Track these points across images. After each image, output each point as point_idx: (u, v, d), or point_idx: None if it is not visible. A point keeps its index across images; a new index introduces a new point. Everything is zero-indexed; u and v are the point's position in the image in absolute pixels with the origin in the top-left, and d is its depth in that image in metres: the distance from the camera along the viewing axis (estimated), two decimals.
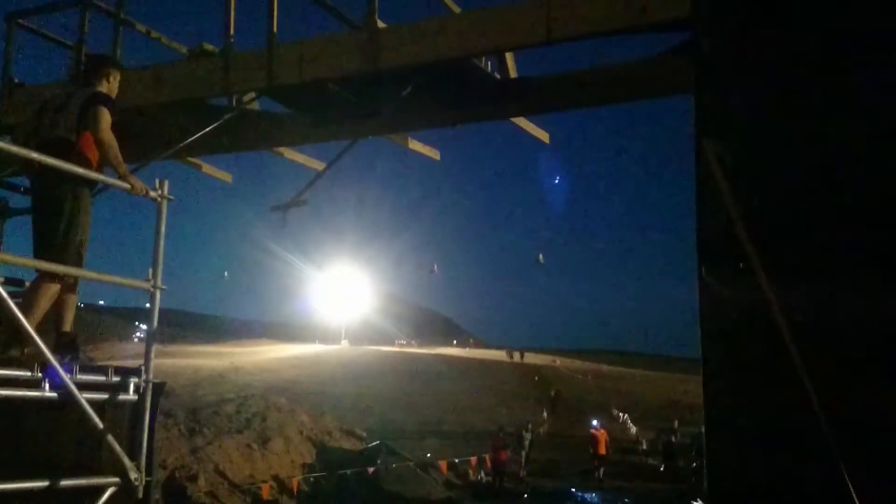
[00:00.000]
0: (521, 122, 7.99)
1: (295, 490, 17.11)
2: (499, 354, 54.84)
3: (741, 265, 5.55)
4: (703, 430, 6.19)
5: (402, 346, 59.96)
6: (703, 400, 6.08)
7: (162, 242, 5.33)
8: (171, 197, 5.42)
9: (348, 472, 18.04)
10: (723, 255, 5.86)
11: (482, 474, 22.04)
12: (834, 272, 5.31)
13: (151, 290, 5.29)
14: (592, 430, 23.75)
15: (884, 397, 4.99)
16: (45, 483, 4.82)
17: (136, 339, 47.54)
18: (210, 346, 45.21)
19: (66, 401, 4.86)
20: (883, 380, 5.04)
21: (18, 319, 4.60)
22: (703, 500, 16.78)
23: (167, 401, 20.19)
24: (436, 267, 46.52)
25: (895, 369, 4.95)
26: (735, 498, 5.65)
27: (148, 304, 5.58)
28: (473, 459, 22.24)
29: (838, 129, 5.34)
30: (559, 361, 53.55)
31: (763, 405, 5.53)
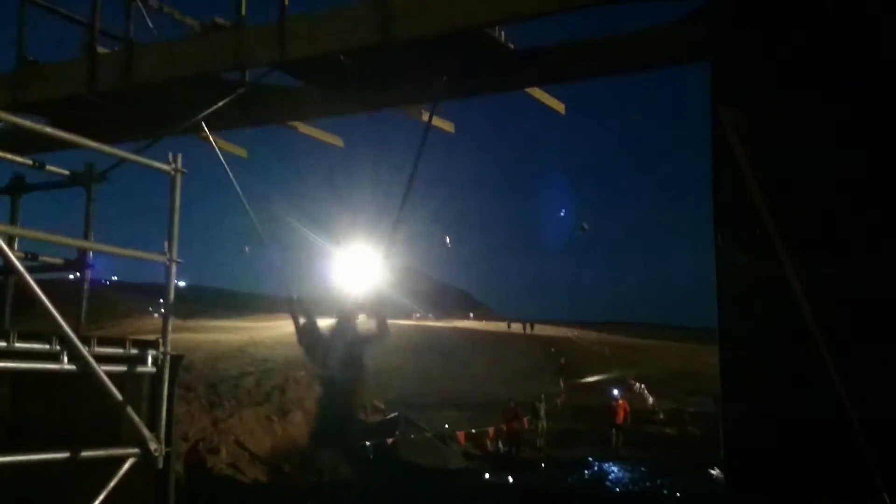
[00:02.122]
0: (536, 92, 7.92)
1: (315, 462, 17.32)
2: (515, 327, 54.96)
3: (757, 232, 5.51)
4: (718, 399, 6.18)
5: (418, 319, 60.15)
6: (720, 368, 6.07)
7: (177, 216, 5.36)
8: (185, 170, 5.44)
9: (367, 443, 18.23)
10: (738, 222, 5.82)
11: (499, 444, 22.22)
12: (850, 240, 5.27)
13: (167, 262, 5.34)
14: (613, 402, 23.85)
15: None
16: (66, 454, 4.91)
17: (156, 315, 48.13)
18: (229, 320, 45.60)
19: (84, 373, 4.93)
20: None
21: (37, 293, 4.66)
22: (719, 469, 16.85)
23: (187, 375, 20.46)
24: (448, 240, 46.27)
25: None
26: (750, 466, 5.66)
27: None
28: (490, 430, 22.41)
29: (857, 94, 5.26)
30: (576, 333, 53.64)
31: (778, 372, 5.52)
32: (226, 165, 8.38)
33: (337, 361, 7.99)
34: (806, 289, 5.31)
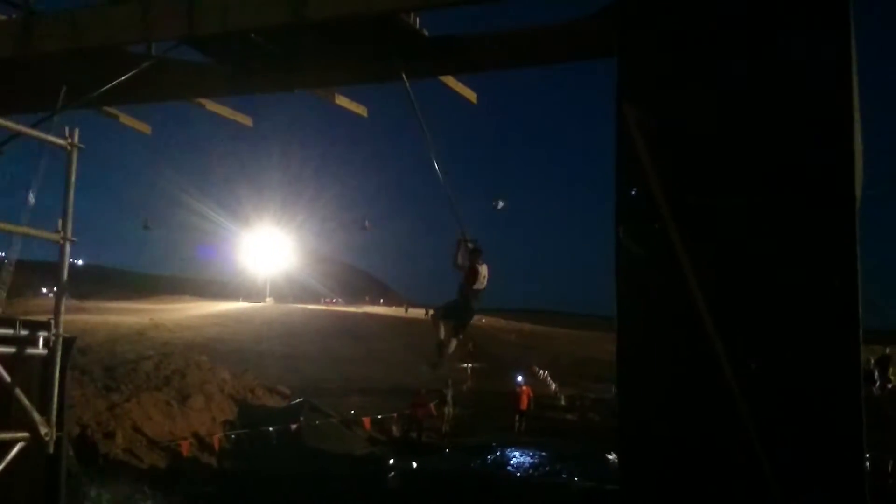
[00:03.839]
0: (449, 80, 7.94)
1: (216, 447, 17.00)
2: (415, 312, 55.20)
3: (656, 226, 5.72)
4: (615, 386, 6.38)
5: (328, 304, 59.64)
6: (616, 356, 6.27)
7: (72, 193, 5.14)
8: (82, 145, 5.23)
9: (270, 429, 18.00)
10: (639, 216, 6.02)
11: (403, 430, 22.36)
12: (745, 236, 5.52)
13: (61, 241, 5.12)
14: (517, 388, 24.34)
15: (795, 354, 5.25)
16: None
17: (49, 295, 45.93)
18: (128, 302, 44.04)
19: None
20: (793, 339, 5.29)
21: None
22: (616, 455, 17.45)
23: (83, 358, 19.68)
24: (367, 223, 45.93)
25: (805, 328, 5.20)
26: (644, 452, 5.89)
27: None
28: (396, 416, 22.52)
29: (760, 94, 5.50)
30: (485, 320, 54.34)
31: (674, 362, 5.75)
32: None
33: None
34: (701, 282, 5.54)
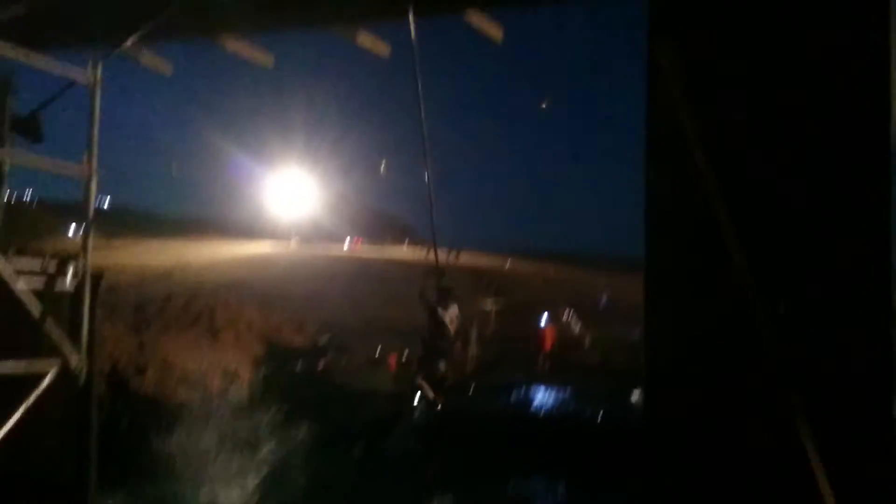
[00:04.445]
0: (475, 17, 7.75)
1: (244, 384, 17.35)
2: (434, 256, 55.11)
3: (687, 166, 5.60)
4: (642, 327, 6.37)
5: (352, 246, 59.95)
6: (644, 297, 6.22)
7: (96, 127, 5.13)
8: (103, 80, 5.20)
9: (297, 367, 18.32)
10: (669, 155, 5.89)
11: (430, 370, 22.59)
12: (776, 177, 5.39)
13: (86, 175, 5.13)
14: (541, 329, 24.47)
15: (825, 296, 5.17)
16: None
17: (79, 235, 46.58)
18: (155, 242, 44.57)
19: (1, 287, 4.78)
20: (823, 281, 5.21)
21: None
22: (640, 395, 17.57)
23: (113, 296, 20.00)
24: (384, 166, 45.65)
25: (835, 270, 5.11)
26: (670, 393, 5.88)
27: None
28: (420, 356, 22.76)
29: (794, 37, 5.32)
30: (509, 263, 54.42)
31: (703, 304, 5.70)
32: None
33: None
34: (734, 223, 5.43)
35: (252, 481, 11.12)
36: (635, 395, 17.82)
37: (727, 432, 5.46)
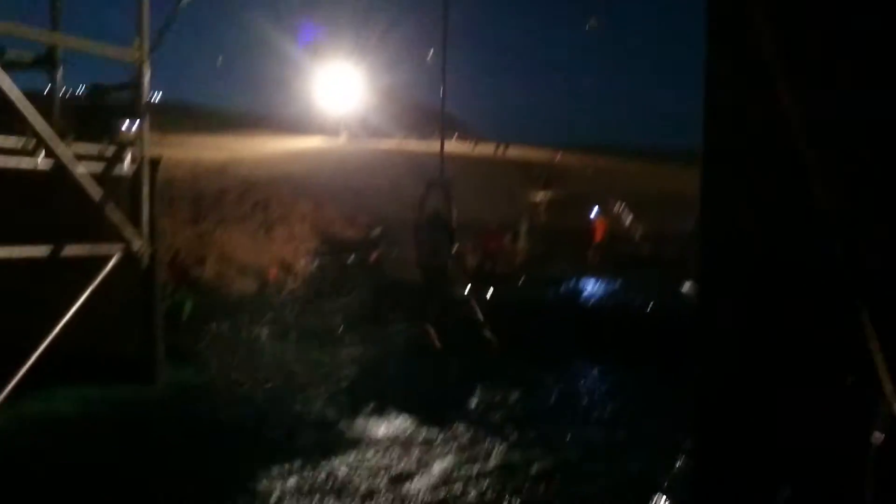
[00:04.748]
0: None
1: (299, 275, 17.80)
2: (482, 149, 54.62)
3: (751, 53, 5.33)
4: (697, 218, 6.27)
5: (399, 141, 59.66)
6: (700, 186, 6.08)
7: (146, 11, 5.09)
8: None
9: (350, 258, 18.66)
10: (732, 35, 5.62)
11: (479, 263, 22.84)
12: (853, 74, 5.11)
13: (138, 60, 5.14)
14: (592, 221, 24.33)
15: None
16: (49, 249, 4.96)
17: (134, 128, 47.12)
18: (209, 136, 44.96)
19: (62, 171, 4.88)
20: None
21: (7, 84, 4.49)
22: (691, 286, 17.53)
23: (169, 189, 20.41)
24: (431, 55, 44.58)
25: None
26: (724, 283, 5.82)
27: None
28: (469, 249, 22.95)
29: None
30: (560, 156, 53.61)
31: (763, 195, 5.54)
32: None
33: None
34: (800, 120, 5.21)
35: (308, 364, 11.56)
36: (686, 287, 17.78)
37: (783, 333, 5.42)
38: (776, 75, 5.21)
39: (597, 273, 21.97)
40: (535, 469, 7.64)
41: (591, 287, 20.06)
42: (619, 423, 9.20)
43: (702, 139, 5.93)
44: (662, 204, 32.23)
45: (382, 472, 7.34)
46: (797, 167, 5.10)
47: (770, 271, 5.45)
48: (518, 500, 6.90)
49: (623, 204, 31.02)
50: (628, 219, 29.49)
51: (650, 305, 16.36)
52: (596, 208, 26.54)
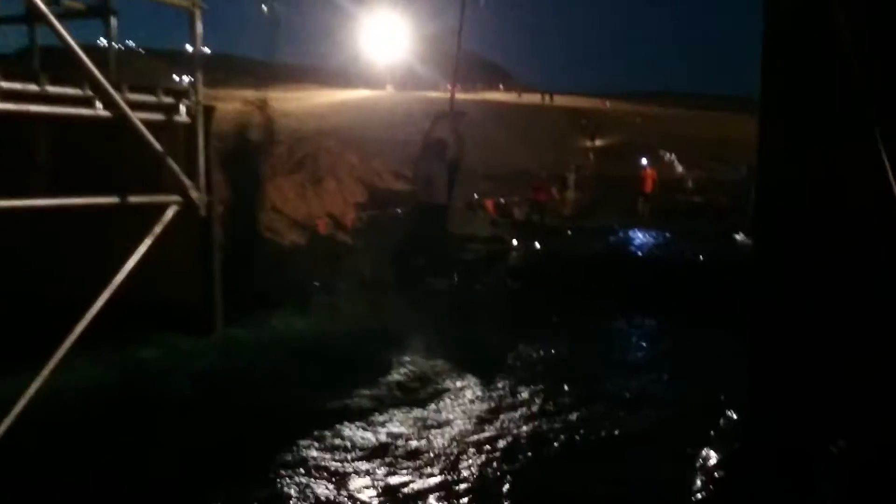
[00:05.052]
0: None
1: (349, 226, 17.94)
2: (528, 97, 53.87)
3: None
4: (750, 165, 6.07)
5: (445, 90, 59.08)
6: (759, 134, 5.89)
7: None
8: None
9: (398, 210, 18.70)
10: None
11: (527, 214, 22.72)
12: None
13: (192, 7, 5.15)
14: (641, 170, 23.93)
15: None
16: (111, 199, 5.06)
17: (185, 80, 47.51)
18: (255, 90, 45.20)
19: (119, 120, 4.95)
20: None
21: (65, 36, 4.52)
22: (744, 234, 17.19)
23: (219, 143, 20.65)
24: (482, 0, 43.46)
25: None
26: (780, 229, 5.68)
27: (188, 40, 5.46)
28: (518, 199, 22.82)
29: None
30: (609, 104, 52.67)
31: (822, 141, 5.35)
32: None
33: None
34: (858, 50, 4.99)
35: (361, 310, 11.71)
36: (739, 236, 17.44)
37: (835, 268, 5.27)
38: (836, 17, 4.99)
39: (647, 223, 21.67)
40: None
41: (641, 238, 19.81)
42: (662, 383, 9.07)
43: (755, 87, 5.73)
44: (713, 151, 31.52)
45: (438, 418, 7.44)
46: (858, 116, 4.91)
47: (828, 220, 5.30)
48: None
49: (672, 154, 30.43)
50: (679, 168, 28.94)
51: (702, 256, 16.11)
52: (642, 158, 26.08)
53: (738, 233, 17.55)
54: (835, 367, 5.20)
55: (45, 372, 4.48)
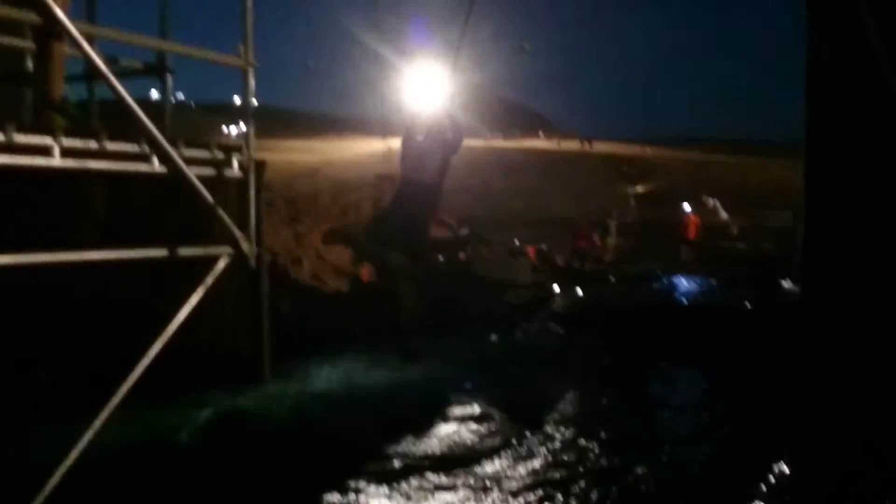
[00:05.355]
0: None
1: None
2: (568, 145, 54.14)
3: (853, 24, 5.11)
4: (797, 212, 6.02)
5: (487, 139, 59.67)
6: (805, 175, 5.85)
7: (250, 18, 5.28)
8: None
9: (441, 258, 18.79)
10: (836, 16, 5.39)
11: (568, 261, 22.67)
12: None
13: (244, 66, 5.35)
14: (684, 217, 23.79)
15: None
16: (163, 251, 5.23)
17: (234, 133, 48.77)
18: (299, 140, 46.22)
19: (174, 175, 5.14)
20: None
21: (123, 95, 4.73)
22: (791, 281, 16.89)
23: (267, 193, 21.11)
24: (526, 44, 44.05)
25: None
26: (828, 277, 5.59)
27: (238, 96, 5.66)
28: (559, 246, 22.83)
29: None
30: (650, 151, 52.65)
31: (872, 180, 5.29)
32: None
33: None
34: None
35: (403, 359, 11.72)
36: (787, 283, 17.14)
37: (883, 307, 5.15)
38: (881, 64, 4.98)
39: (691, 270, 21.44)
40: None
41: (686, 284, 19.58)
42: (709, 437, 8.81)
43: (800, 133, 5.70)
44: (757, 198, 31.22)
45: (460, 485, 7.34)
46: None
47: (881, 268, 5.20)
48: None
49: (716, 200, 30.20)
50: (723, 214, 28.69)
51: (749, 303, 15.84)
52: (685, 204, 25.92)
53: (785, 279, 17.27)
54: (891, 422, 5.06)
55: (98, 423, 4.58)
